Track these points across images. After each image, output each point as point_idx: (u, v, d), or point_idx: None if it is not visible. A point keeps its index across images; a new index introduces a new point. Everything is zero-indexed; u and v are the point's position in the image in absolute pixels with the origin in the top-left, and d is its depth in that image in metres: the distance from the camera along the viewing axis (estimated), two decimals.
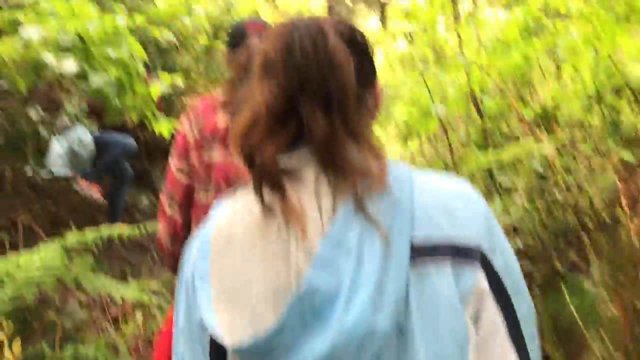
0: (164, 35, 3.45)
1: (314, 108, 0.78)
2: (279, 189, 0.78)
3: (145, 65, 3.45)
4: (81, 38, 3.10)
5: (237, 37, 1.78)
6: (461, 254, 0.78)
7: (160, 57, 4.54)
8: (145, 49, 3.51)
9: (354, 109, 0.80)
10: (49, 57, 2.67)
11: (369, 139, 0.82)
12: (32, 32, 2.69)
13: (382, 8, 28.14)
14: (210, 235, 0.85)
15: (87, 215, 5.62)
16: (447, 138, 3.46)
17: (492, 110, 3.89)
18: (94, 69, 2.98)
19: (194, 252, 0.86)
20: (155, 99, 3.65)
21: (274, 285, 0.78)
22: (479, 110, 3.71)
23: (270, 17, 11.49)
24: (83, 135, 5.05)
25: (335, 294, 0.73)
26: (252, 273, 0.79)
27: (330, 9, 23.05)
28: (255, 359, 0.76)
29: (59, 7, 3.33)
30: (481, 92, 4.23)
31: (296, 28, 0.82)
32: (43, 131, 3.61)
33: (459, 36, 4.35)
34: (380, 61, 14.74)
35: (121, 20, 3.00)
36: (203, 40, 5.74)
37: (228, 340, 0.76)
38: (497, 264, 0.81)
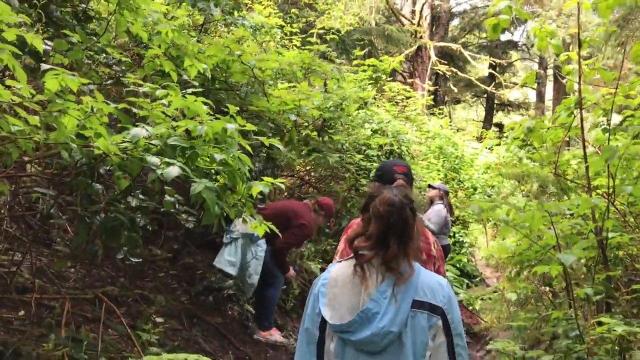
0: (274, 144, 3.32)
1: (393, 240, 2.00)
2: (361, 267, 2.01)
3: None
4: (188, 134, 3.03)
5: (386, 174, 2.91)
6: (432, 309, 1.98)
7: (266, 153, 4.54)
8: (252, 148, 3.41)
9: (409, 243, 2.02)
10: (153, 159, 2.58)
11: (412, 258, 2.04)
12: (140, 132, 2.63)
13: (491, 101, 27.81)
14: (328, 277, 2.09)
15: (169, 290, 5.60)
16: (571, 298, 3.01)
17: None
18: (197, 172, 2.87)
19: (320, 282, 2.10)
20: (254, 198, 3.52)
21: (352, 305, 1.98)
22: (605, 258, 3.24)
23: (380, 104, 11.56)
24: (261, 252, 5.23)
25: (376, 313, 1.92)
26: (343, 298, 2.00)
27: (436, 98, 23.02)
28: (339, 331, 1.97)
29: (175, 101, 3.31)
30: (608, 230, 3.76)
31: (393, 202, 2.03)
32: (140, 219, 3.55)
33: (586, 161, 3.93)
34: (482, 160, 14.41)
35: (231, 126, 2.90)
36: (310, 132, 5.72)
37: (330, 320, 1.98)
38: (449, 317, 1.99)
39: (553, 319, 3.33)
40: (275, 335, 5.61)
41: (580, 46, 3.85)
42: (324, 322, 2.02)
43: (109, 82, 4.61)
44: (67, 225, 4.79)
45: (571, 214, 4.36)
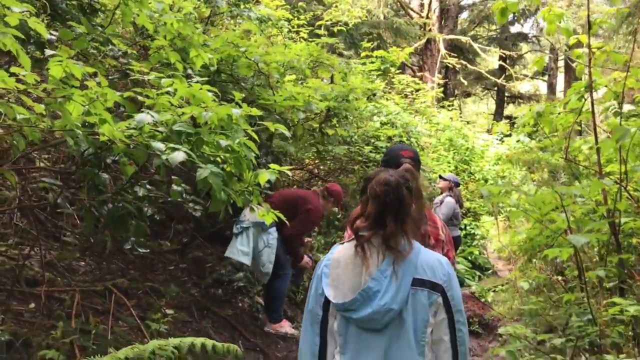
0: (279, 128, 3.30)
1: (390, 218, 2.04)
2: (362, 247, 2.05)
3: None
4: (194, 122, 3.02)
5: (392, 158, 2.90)
6: (433, 287, 2.02)
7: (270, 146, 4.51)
8: (258, 136, 3.39)
9: (407, 221, 2.07)
10: (158, 145, 2.57)
11: (410, 235, 2.08)
12: (145, 118, 2.61)
13: (500, 91, 27.62)
14: (331, 258, 2.14)
15: (179, 282, 5.60)
16: (583, 283, 2.95)
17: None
18: (203, 158, 2.86)
19: (323, 263, 2.15)
20: (262, 186, 3.51)
21: (354, 284, 2.03)
22: (617, 241, 3.18)
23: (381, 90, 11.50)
24: (272, 240, 5.22)
25: (377, 292, 1.98)
26: (345, 278, 2.05)
27: (445, 91, 22.89)
28: (341, 309, 2.03)
29: (180, 89, 3.30)
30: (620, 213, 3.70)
31: (389, 182, 2.08)
32: (147, 208, 3.55)
33: (598, 150, 3.86)
34: (493, 150, 14.31)
35: (236, 111, 2.88)
36: (315, 123, 5.69)
37: (333, 299, 2.04)
38: (449, 294, 2.03)
39: (565, 302, 3.27)
40: (285, 327, 5.59)
41: (589, 28, 3.78)
42: (327, 302, 2.07)
43: (116, 75, 4.61)
44: (77, 218, 4.80)
45: (583, 203, 4.30)
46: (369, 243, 2.05)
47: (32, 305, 4.01)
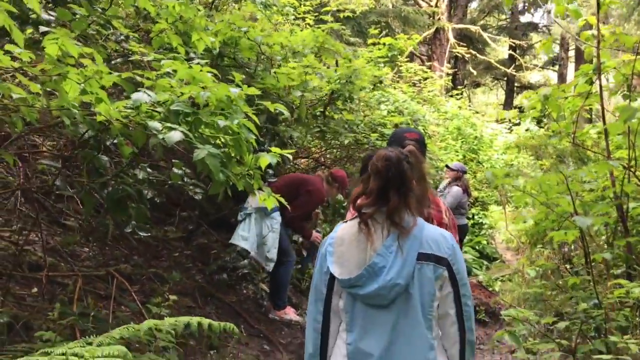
0: (279, 108, 3.24)
1: (393, 193, 2.04)
2: (366, 224, 2.06)
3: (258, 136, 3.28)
4: (193, 104, 2.97)
5: (397, 140, 2.79)
6: (438, 261, 2.03)
7: (272, 128, 4.44)
8: (261, 122, 3.34)
9: (409, 195, 2.06)
10: (155, 124, 2.53)
11: (414, 210, 2.07)
12: (141, 97, 2.57)
13: (510, 81, 27.38)
14: (335, 236, 2.14)
15: (184, 269, 5.59)
16: (589, 262, 2.88)
17: None
18: (202, 139, 2.81)
19: (327, 242, 2.16)
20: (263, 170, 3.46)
21: (359, 261, 2.03)
22: (624, 224, 3.10)
23: (391, 81, 11.41)
24: (276, 225, 5.19)
25: (383, 267, 1.99)
26: (350, 255, 2.06)
27: (455, 81, 22.72)
28: (347, 286, 2.04)
29: (180, 70, 3.25)
30: (628, 197, 3.62)
31: (389, 157, 2.09)
32: (147, 191, 3.51)
33: (606, 131, 3.78)
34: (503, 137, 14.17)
35: (234, 90, 2.83)
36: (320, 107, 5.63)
37: (339, 276, 2.04)
38: (455, 268, 2.05)
39: (570, 286, 3.21)
40: (290, 314, 5.57)
41: (599, 7, 3.69)
42: (331, 280, 2.10)
43: (118, 60, 4.57)
44: (79, 203, 4.79)
45: (590, 190, 4.23)
46: (372, 219, 2.06)
47: (35, 289, 4.01)
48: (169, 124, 2.58)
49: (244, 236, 5.13)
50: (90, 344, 2.05)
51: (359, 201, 2.11)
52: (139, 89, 2.77)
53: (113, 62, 4.45)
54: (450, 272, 2.04)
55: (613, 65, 3.83)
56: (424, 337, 2.00)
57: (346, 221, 2.23)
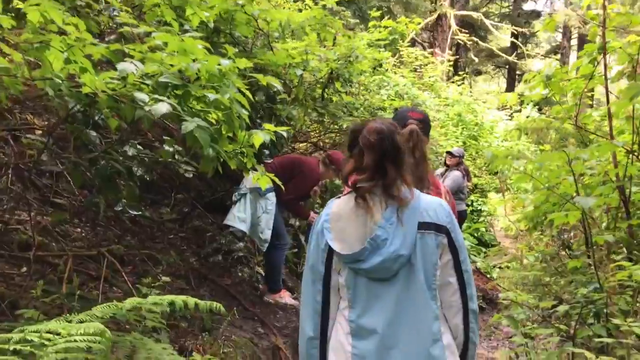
0: (272, 82, 3.14)
1: (390, 166, 2.02)
2: (363, 198, 2.01)
3: (252, 113, 3.17)
4: (183, 77, 2.87)
5: (400, 119, 2.73)
6: (438, 229, 2.04)
7: (267, 106, 4.34)
8: (252, 95, 3.24)
9: (406, 169, 2.06)
10: (141, 96, 2.42)
11: (410, 183, 2.06)
12: (128, 67, 2.46)
13: (512, 69, 27.20)
14: (330, 212, 2.08)
15: (178, 251, 5.52)
16: (590, 245, 2.79)
17: None
18: (191, 113, 2.71)
19: (322, 218, 2.10)
20: (257, 148, 3.37)
21: (360, 235, 2.01)
22: (626, 207, 3.01)
23: (391, 65, 11.27)
24: (270, 206, 5.09)
25: (385, 240, 1.97)
26: (350, 230, 2.02)
27: (456, 68, 22.55)
28: (350, 261, 2.01)
29: (171, 43, 3.14)
30: (631, 179, 3.53)
31: (382, 129, 2.05)
32: (137, 168, 3.42)
33: (609, 112, 3.68)
34: (505, 125, 14.04)
35: (225, 62, 2.72)
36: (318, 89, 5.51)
37: (341, 251, 2.00)
38: (453, 235, 2.06)
39: (570, 269, 3.13)
40: (285, 298, 5.50)
41: None
42: (329, 257, 2.06)
43: (112, 36, 4.46)
44: (71, 181, 4.70)
45: (591, 175, 4.14)
46: (370, 193, 2.02)
47: (24, 269, 3.93)
48: (155, 96, 2.48)
49: (241, 217, 5.04)
50: (70, 321, 1.97)
51: (353, 177, 2.05)
52: (125, 58, 2.66)
53: (107, 38, 4.34)
54: (449, 240, 2.04)
55: (619, 45, 3.71)
56: (429, 308, 1.99)
57: (339, 197, 2.16)
